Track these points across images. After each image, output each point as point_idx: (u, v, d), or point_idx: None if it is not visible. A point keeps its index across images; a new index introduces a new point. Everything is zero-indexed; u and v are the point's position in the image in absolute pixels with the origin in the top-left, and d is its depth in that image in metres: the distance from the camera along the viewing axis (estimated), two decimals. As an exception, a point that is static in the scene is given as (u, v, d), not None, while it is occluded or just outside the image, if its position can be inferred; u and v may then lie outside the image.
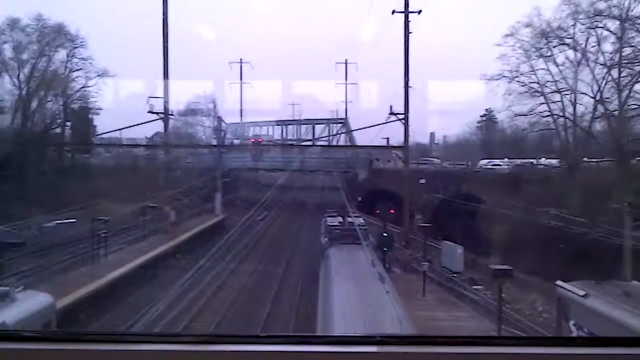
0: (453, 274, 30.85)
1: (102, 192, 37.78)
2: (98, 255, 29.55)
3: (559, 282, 19.17)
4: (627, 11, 35.56)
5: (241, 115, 58.27)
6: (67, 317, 19.84)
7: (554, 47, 38.53)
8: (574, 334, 17.08)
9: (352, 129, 56.18)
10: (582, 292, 17.20)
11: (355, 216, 31.31)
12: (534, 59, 39.26)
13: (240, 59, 56.94)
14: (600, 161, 38.36)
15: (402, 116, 40.44)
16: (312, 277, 26.49)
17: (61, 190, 38.03)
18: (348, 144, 56.02)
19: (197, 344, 2.20)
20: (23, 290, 17.23)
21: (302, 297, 26.68)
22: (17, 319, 14.41)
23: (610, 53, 36.98)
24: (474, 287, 29.03)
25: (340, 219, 31.03)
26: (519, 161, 43.11)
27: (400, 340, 2.24)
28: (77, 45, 46.17)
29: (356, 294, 18.45)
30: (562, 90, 38.39)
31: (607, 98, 36.87)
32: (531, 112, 39.16)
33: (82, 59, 46.34)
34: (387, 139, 46.38)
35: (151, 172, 45.59)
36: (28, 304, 15.77)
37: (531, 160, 42.76)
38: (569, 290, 18.09)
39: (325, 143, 56.99)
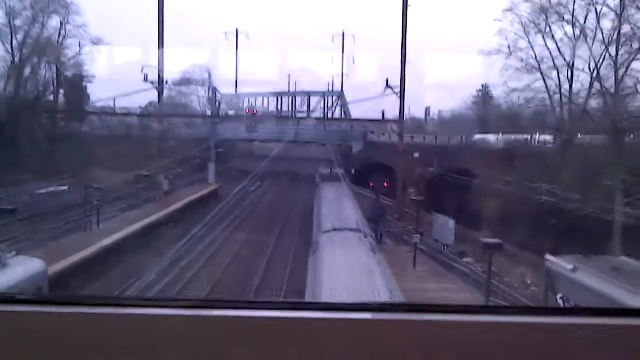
0: (444, 247, 31.10)
1: (95, 160, 37.59)
2: (90, 222, 29.58)
3: (547, 256, 19.34)
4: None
5: (236, 86, 57.45)
6: (59, 283, 19.95)
7: (553, 22, 38.32)
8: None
9: (348, 101, 55.90)
10: (570, 266, 17.37)
11: (338, 168, 43.29)
12: (532, 35, 39.08)
13: (236, 29, 56.12)
14: (594, 138, 38.41)
15: (398, 89, 40.24)
16: (304, 253, 26.67)
17: (54, 158, 37.86)
18: (343, 116, 55.72)
19: (191, 308, 2.21)
20: (15, 255, 17.28)
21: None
22: (9, 283, 14.48)
23: (609, 30, 36.81)
24: (464, 259, 29.30)
25: (329, 169, 44.83)
26: (513, 136, 43.08)
27: (395, 307, 2.27)
28: (70, 12, 45.56)
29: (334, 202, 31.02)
30: (559, 66, 38.30)
31: (604, 75, 36.82)
32: (527, 88, 39.15)
33: (76, 25, 45.78)
34: (383, 112, 46.29)
35: (144, 141, 45.31)
36: (20, 269, 15.81)
37: (525, 136, 42.76)
38: (557, 263, 18.26)
39: (320, 115, 56.58)
